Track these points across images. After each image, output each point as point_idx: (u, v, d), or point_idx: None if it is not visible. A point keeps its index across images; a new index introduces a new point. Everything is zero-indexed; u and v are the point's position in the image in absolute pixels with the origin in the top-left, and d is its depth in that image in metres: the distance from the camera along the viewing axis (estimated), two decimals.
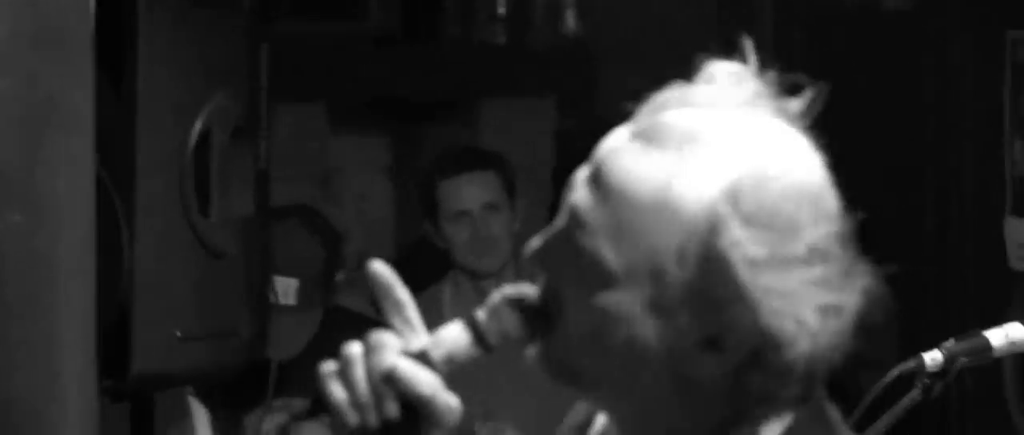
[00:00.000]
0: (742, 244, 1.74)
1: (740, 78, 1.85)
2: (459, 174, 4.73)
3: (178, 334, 3.50)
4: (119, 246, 3.38)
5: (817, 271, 1.76)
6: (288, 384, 4.33)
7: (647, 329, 1.78)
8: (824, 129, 1.86)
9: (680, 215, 1.76)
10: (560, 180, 5.68)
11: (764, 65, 1.87)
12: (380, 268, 1.88)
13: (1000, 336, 2.96)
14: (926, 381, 2.90)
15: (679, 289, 1.76)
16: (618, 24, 5.27)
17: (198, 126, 3.55)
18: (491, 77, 5.38)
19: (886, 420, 2.84)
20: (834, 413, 1.89)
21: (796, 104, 1.85)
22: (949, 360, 2.91)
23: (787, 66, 1.88)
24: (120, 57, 3.38)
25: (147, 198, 3.45)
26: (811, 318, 1.75)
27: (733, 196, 1.76)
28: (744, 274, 1.74)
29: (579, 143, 5.80)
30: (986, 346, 2.95)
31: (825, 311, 1.76)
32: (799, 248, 1.75)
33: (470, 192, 4.70)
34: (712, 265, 1.75)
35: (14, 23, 2.68)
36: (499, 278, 4.55)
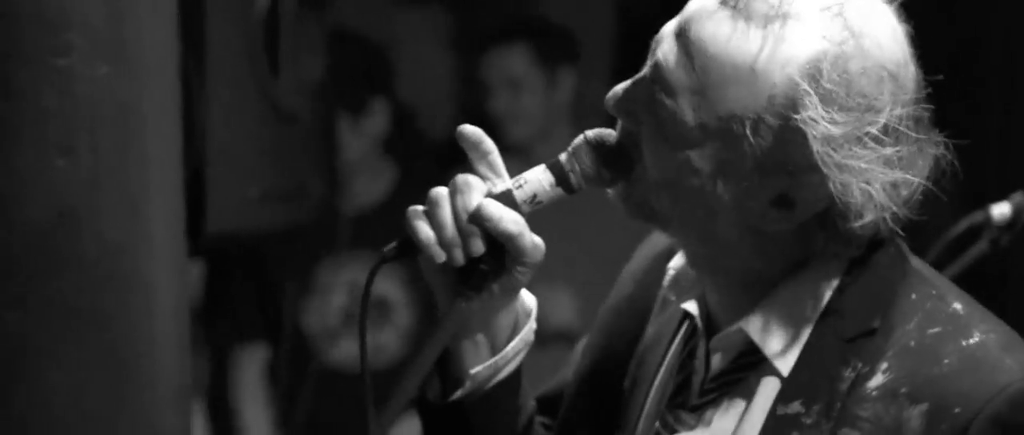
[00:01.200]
0: (819, 121, 1.81)
1: None
2: (487, 49, 4.80)
3: (251, 194, 3.59)
4: (192, 108, 3.45)
5: (889, 150, 1.83)
6: (360, 237, 4.46)
7: (718, 184, 1.86)
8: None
9: (761, 87, 1.83)
10: (620, 47, 5.71)
11: None
12: (467, 127, 1.96)
13: None
14: (994, 232, 2.95)
15: (752, 154, 1.84)
16: None
17: None
18: None
19: (952, 270, 2.89)
20: (914, 258, 1.97)
21: None
22: (1017, 211, 2.95)
23: None
24: None
25: (218, 62, 3.53)
26: (879, 192, 1.83)
27: (813, 73, 1.82)
28: (818, 149, 1.81)
29: (639, 10, 5.78)
30: None
31: (893, 186, 1.84)
32: (874, 127, 1.82)
33: (494, 67, 4.77)
34: (788, 136, 1.82)
35: None
36: (551, 144, 4.62)
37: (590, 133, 1.94)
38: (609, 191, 1.96)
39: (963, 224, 2.97)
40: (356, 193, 4.59)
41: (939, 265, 2.83)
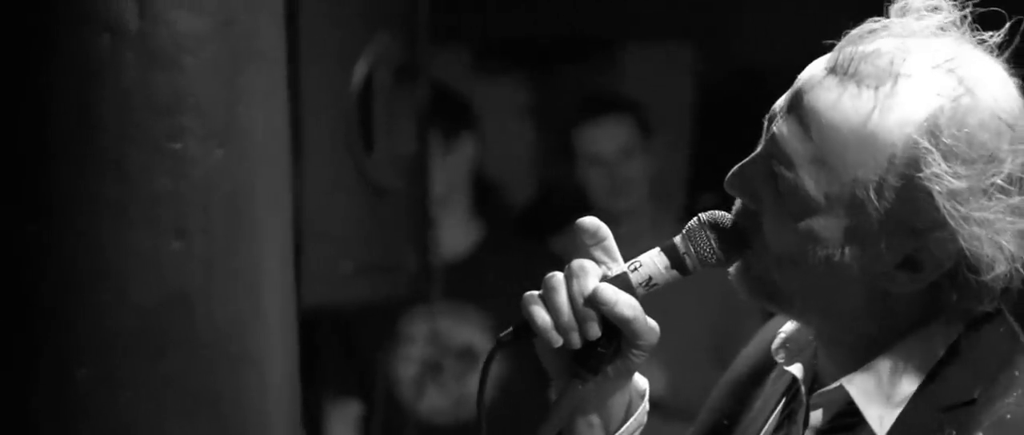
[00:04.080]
0: (943, 176, 1.80)
1: (935, 7, 1.90)
2: (594, 119, 4.86)
3: (345, 268, 3.64)
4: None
5: (1016, 199, 1.82)
6: (450, 289, 4.51)
7: (845, 252, 1.85)
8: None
9: (880, 148, 1.83)
10: (700, 121, 5.76)
11: None
12: (584, 219, 1.97)
13: None
14: None
15: (878, 217, 1.83)
16: None
17: (362, 67, 3.68)
18: (632, 19, 5.47)
19: None
20: (1015, 326, 1.95)
21: (993, 34, 1.89)
22: None
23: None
24: (286, 2, 3.48)
25: (314, 138, 3.58)
26: (1009, 242, 1.82)
27: (932, 130, 1.82)
28: (945, 205, 1.80)
29: (718, 85, 5.85)
30: None
31: (1022, 235, 1.83)
32: (998, 177, 1.82)
33: (605, 137, 4.83)
34: (913, 195, 1.82)
35: None
36: (635, 219, 4.69)
37: (704, 215, 1.95)
38: (729, 272, 1.96)
39: None
40: (444, 247, 4.66)
41: None
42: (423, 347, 4.60)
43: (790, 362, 2.00)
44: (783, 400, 2.03)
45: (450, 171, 4.65)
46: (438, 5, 3.99)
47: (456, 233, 4.72)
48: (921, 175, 1.81)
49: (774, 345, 2.03)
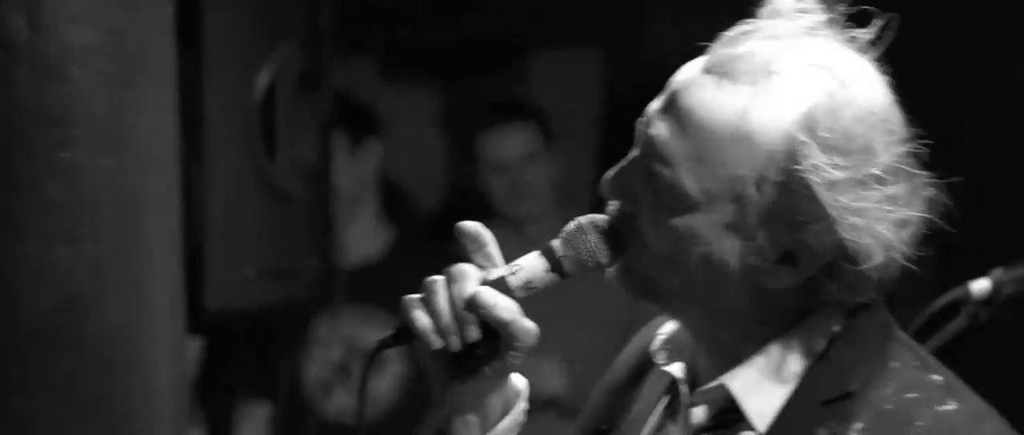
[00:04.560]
0: (822, 168, 1.83)
1: (805, 9, 1.93)
2: (497, 126, 4.93)
3: (248, 272, 3.70)
4: (192, 191, 3.54)
5: (890, 189, 1.86)
6: (358, 292, 4.56)
7: (724, 248, 1.88)
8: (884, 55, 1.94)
9: (759, 143, 1.86)
10: (606, 128, 5.82)
11: None
12: (466, 223, 1.98)
13: None
14: (973, 309, 2.96)
15: (757, 211, 1.87)
16: None
17: (264, 76, 3.75)
18: (540, 27, 5.53)
19: (932, 345, 2.86)
20: (889, 317, 1.99)
21: (863, 33, 1.93)
22: (996, 288, 2.96)
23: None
24: (187, 12, 3.54)
25: (216, 144, 3.64)
26: (886, 232, 1.86)
27: (809, 124, 1.85)
28: (824, 195, 1.84)
29: (625, 91, 5.89)
30: None
31: (898, 225, 1.87)
32: (874, 168, 1.85)
33: (507, 143, 4.90)
34: (792, 188, 1.85)
35: None
36: (539, 224, 4.76)
37: (582, 218, 1.97)
38: (608, 272, 1.98)
39: (943, 300, 2.98)
40: (352, 251, 4.70)
41: (919, 340, 2.87)
42: (331, 349, 4.65)
43: (670, 362, 2.03)
44: (664, 400, 2.06)
45: (356, 176, 4.70)
46: (343, 16, 4.05)
47: (365, 237, 4.77)
48: (800, 168, 1.84)
49: (653, 346, 2.06)
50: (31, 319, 2.78)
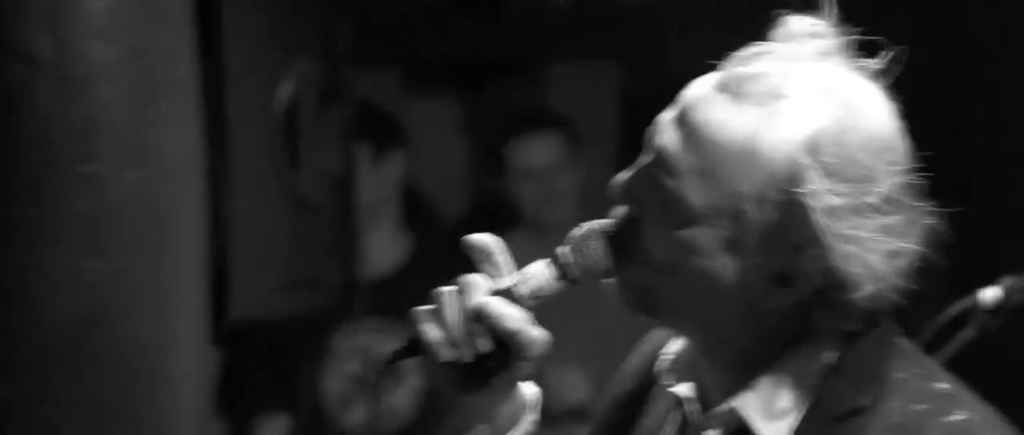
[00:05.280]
0: (821, 193, 1.85)
1: (818, 33, 1.96)
2: (527, 133, 4.97)
3: (273, 283, 3.73)
4: (217, 201, 3.57)
5: (887, 219, 1.87)
6: (378, 304, 4.58)
7: (721, 263, 1.90)
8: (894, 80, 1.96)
9: (763, 163, 1.88)
10: (624, 140, 5.85)
11: (842, 22, 1.96)
12: (471, 236, 1.99)
13: None
14: (983, 318, 2.96)
15: (756, 230, 1.89)
16: None
17: (286, 89, 3.79)
18: (559, 40, 5.56)
19: (942, 355, 2.88)
20: (902, 339, 1.99)
21: (873, 61, 1.95)
22: (1007, 296, 2.96)
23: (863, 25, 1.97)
24: (208, 26, 3.57)
25: (241, 156, 3.68)
26: (878, 262, 1.87)
27: (814, 147, 1.87)
28: (821, 220, 1.85)
29: (642, 105, 5.95)
30: None
31: (891, 255, 1.88)
32: (873, 197, 1.87)
33: (537, 150, 4.94)
34: (791, 210, 1.87)
35: None
36: (565, 231, 4.78)
37: (587, 225, 1.99)
38: (609, 282, 1.99)
39: (953, 309, 2.99)
40: (372, 262, 4.72)
41: (929, 350, 2.87)
42: (350, 362, 4.67)
43: (678, 382, 2.03)
44: (672, 416, 2.06)
45: (378, 187, 4.72)
46: (365, 28, 4.09)
47: (385, 248, 4.80)
48: (800, 191, 1.86)
49: (660, 366, 2.07)
50: (57, 330, 2.82)
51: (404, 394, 4.69)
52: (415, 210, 4.93)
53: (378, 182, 4.73)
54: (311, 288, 3.92)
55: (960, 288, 3.04)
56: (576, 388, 4.72)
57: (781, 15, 1.97)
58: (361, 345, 4.64)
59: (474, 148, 5.72)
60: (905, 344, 2.00)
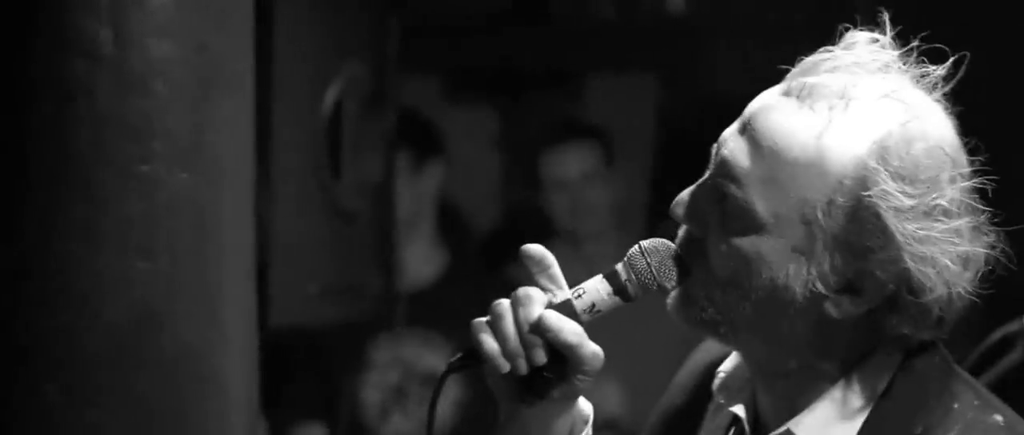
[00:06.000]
0: (891, 195, 1.86)
1: (880, 45, 1.97)
2: (560, 144, 4.96)
3: (311, 289, 3.71)
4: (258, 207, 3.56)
5: (956, 222, 1.88)
6: (414, 314, 4.58)
7: (790, 272, 1.90)
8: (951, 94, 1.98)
9: (831, 168, 1.88)
10: (660, 152, 5.85)
11: (900, 35, 1.97)
12: (529, 246, 2.00)
13: None
14: None
15: (824, 237, 1.89)
16: (722, 2, 5.40)
17: (331, 94, 3.77)
18: (601, 52, 5.57)
19: (986, 379, 2.81)
20: (955, 365, 2.00)
21: (933, 71, 1.96)
22: None
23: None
24: (258, 29, 3.55)
25: (283, 162, 3.66)
26: (950, 264, 1.88)
27: (881, 152, 1.88)
28: (892, 222, 1.86)
29: (680, 117, 5.96)
30: None
31: (961, 259, 1.89)
32: (941, 199, 1.88)
33: (570, 162, 4.93)
34: (861, 214, 1.87)
35: None
36: (598, 242, 4.78)
37: (645, 243, 1.99)
38: (668, 301, 1.99)
39: (997, 334, 2.94)
40: (409, 273, 4.72)
41: (973, 373, 2.86)
42: (388, 372, 4.67)
43: (731, 402, 2.03)
44: None
45: (416, 197, 4.72)
46: (408, 35, 4.08)
47: (421, 259, 4.79)
48: (869, 194, 1.86)
49: (715, 385, 2.06)
50: (107, 332, 2.78)
51: (446, 407, 4.67)
52: (451, 220, 4.93)
53: (416, 192, 4.73)
54: (350, 296, 3.90)
55: (1002, 315, 2.99)
56: (610, 400, 4.71)
57: (841, 28, 1.97)
58: (398, 356, 4.63)
59: (509, 160, 5.71)
60: (960, 371, 1.99)
